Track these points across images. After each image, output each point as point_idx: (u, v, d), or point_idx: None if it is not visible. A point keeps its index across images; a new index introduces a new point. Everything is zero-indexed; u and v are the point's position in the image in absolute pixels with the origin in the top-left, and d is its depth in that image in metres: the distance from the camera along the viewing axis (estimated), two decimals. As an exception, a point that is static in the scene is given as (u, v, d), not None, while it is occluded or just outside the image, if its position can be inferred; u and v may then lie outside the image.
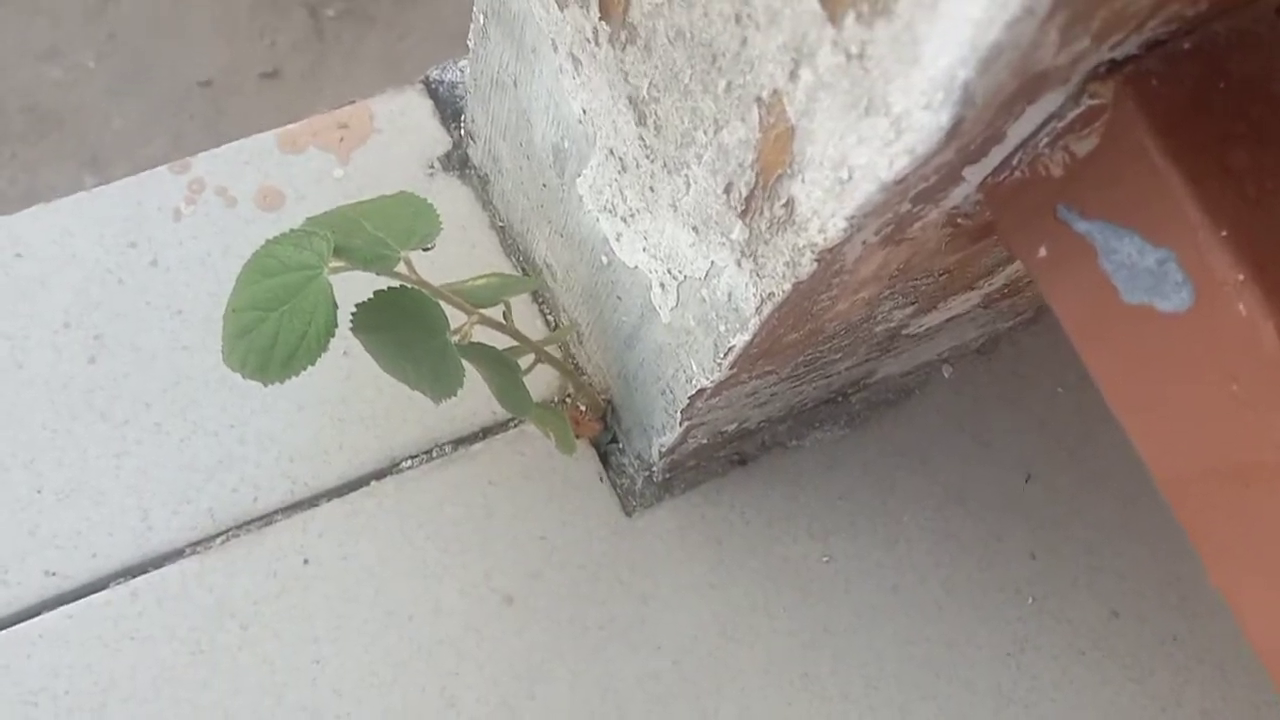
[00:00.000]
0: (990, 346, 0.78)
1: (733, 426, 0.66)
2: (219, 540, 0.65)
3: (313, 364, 0.52)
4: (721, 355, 0.50)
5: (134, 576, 0.64)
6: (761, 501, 0.72)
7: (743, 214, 0.42)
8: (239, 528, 0.66)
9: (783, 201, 0.39)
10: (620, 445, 0.71)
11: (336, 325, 0.52)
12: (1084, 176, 0.35)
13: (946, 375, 0.77)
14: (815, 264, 0.39)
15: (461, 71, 0.78)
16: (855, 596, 0.70)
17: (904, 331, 0.61)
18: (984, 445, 0.76)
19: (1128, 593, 0.74)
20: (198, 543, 0.65)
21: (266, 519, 0.66)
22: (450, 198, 0.75)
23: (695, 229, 0.47)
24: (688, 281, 0.50)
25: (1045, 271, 0.38)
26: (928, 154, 0.31)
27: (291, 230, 0.53)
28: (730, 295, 0.46)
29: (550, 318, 0.74)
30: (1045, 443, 0.77)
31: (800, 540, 0.71)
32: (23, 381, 0.66)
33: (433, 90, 0.77)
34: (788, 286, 0.41)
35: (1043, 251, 0.37)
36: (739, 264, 0.44)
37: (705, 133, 0.42)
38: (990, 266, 0.55)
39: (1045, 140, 0.35)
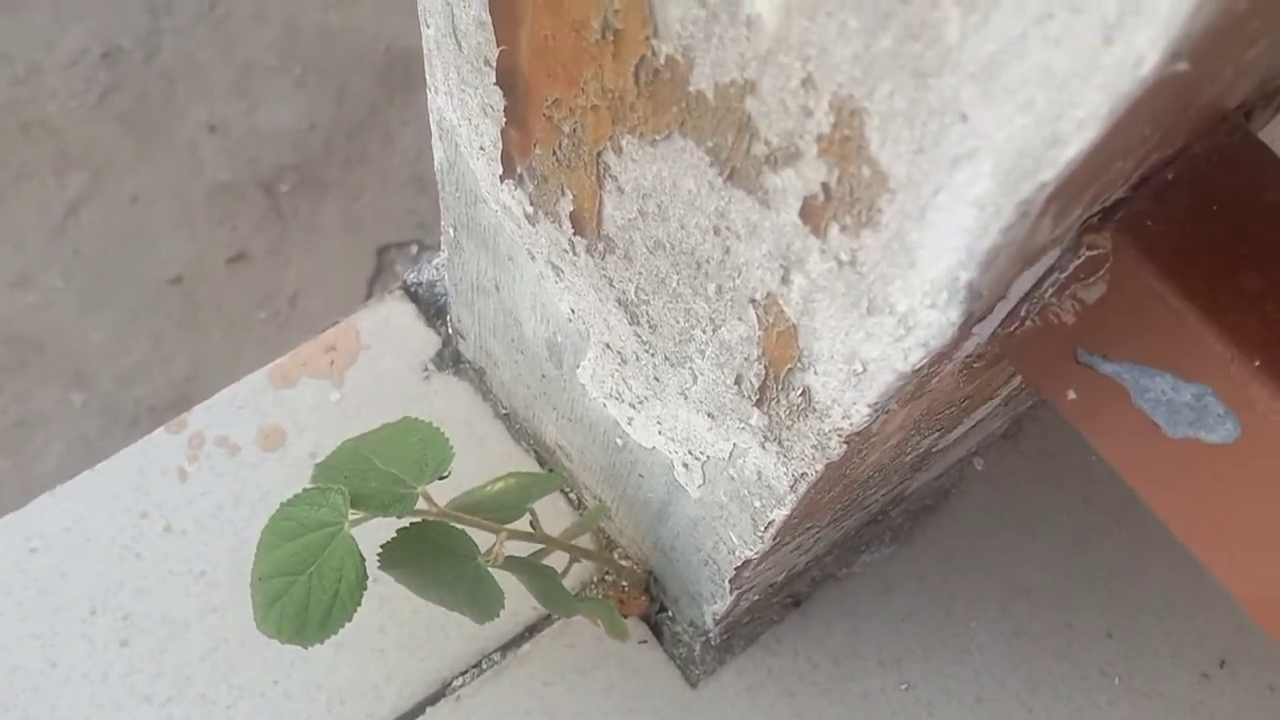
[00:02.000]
0: (1015, 430, 0.77)
1: (782, 577, 0.65)
2: (285, 805, 0.63)
3: (350, 620, 0.51)
4: (762, 529, 0.49)
5: None
6: (824, 641, 0.69)
7: (758, 403, 0.41)
8: (303, 787, 0.63)
9: (799, 391, 0.38)
10: (670, 614, 0.69)
11: (368, 577, 0.51)
12: (1099, 321, 0.34)
13: (979, 468, 0.75)
14: (844, 446, 0.38)
15: (437, 270, 0.78)
16: (940, 718, 0.68)
17: (933, 450, 0.60)
18: (1031, 532, 0.74)
19: (1211, 652, 0.72)
20: (264, 812, 0.63)
21: (329, 771, 0.64)
22: (449, 395, 0.75)
23: (710, 415, 0.46)
24: (711, 461, 0.49)
25: (1079, 413, 0.37)
26: (942, 346, 0.31)
27: (305, 490, 0.52)
28: (760, 474, 0.46)
29: (573, 495, 0.72)
30: (1091, 516, 0.75)
31: (873, 672, 0.69)
32: (59, 681, 0.65)
33: (413, 294, 0.78)
34: (819, 467, 0.40)
35: (1071, 395, 0.37)
36: (763, 446, 0.44)
37: (703, 331, 0.42)
38: (1010, 374, 0.55)
39: (1050, 291, 0.35)
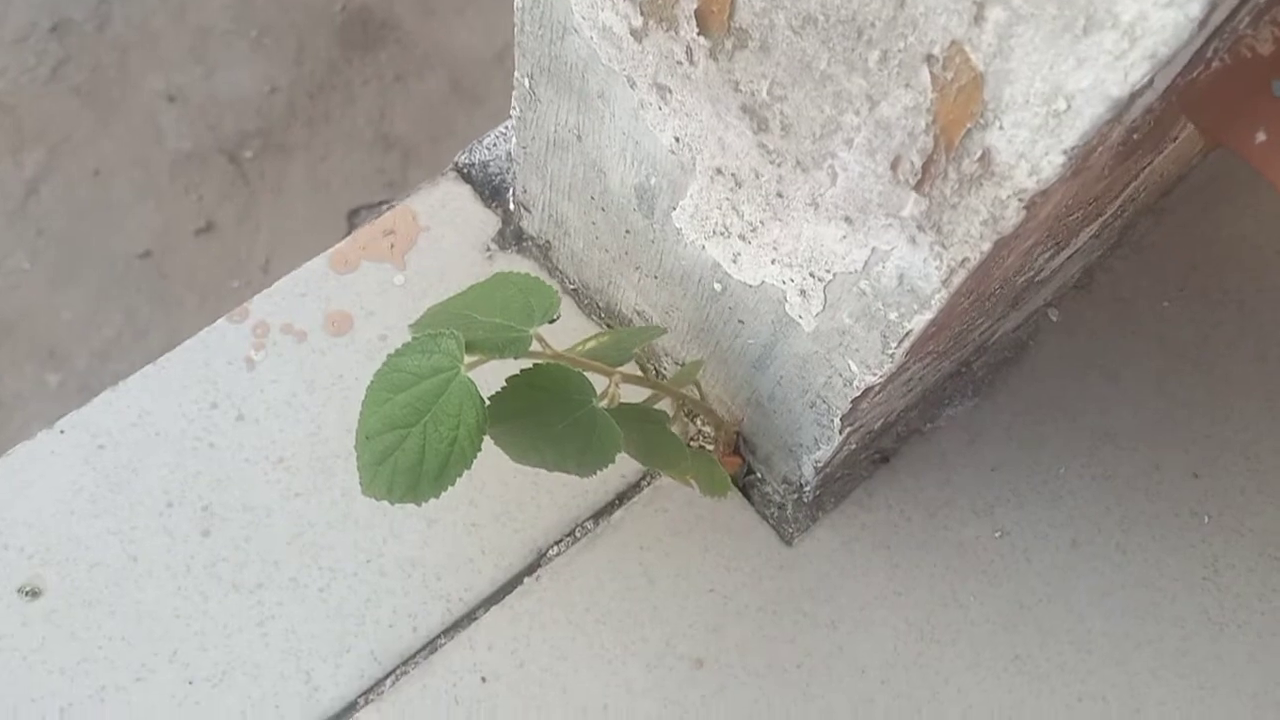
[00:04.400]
0: (1086, 280, 0.76)
1: (879, 423, 0.64)
2: (389, 682, 0.62)
3: (469, 468, 0.49)
4: (894, 344, 0.48)
5: (313, 743, 0.60)
6: (916, 494, 0.69)
7: (918, 185, 0.40)
8: (406, 663, 0.62)
9: (976, 156, 0.36)
10: (759, 475, 0.68)
11: (487, 420, 0.49)
12: (1303, 43, 0.33)
13: (1054, 319, 0.75)
14: (1024, 212, 0.37)
15: (489, 150, 0.76)
16: (1038, 563, 0.68)
17: (1038, 278, 0.59)
18: (1111, 378, 0.74)
19: (1297, 486, 0.72)
20: (369, 690, 0.61)
21: (431, 646, 0.62)
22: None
23: (848, 219, 0.44)
24: (838, 279, 0.48)
25: (1268, 157, 0.35)
26: (1171, 54, 0.29)
27: (414, 338, 0.50)
28: (902, 277, 0.44)
29: (651, 366, 0.71)
30: (1168, 360, 0.74)
31: (967, 522, 0.68)
32: (142, 574, 0.63)
33: (466, 175, 0.75)
34: (987, 246, 0.39)
35: (1261, 136, 0.35)
36: (913, 241, 0.42)
37: (856, 114, 0.40)
38: (1120, 188, 0.53)
39: (1246, 21, 0.33)
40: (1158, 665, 0.66)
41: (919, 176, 0.39)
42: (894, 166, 0.40)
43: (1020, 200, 0.36)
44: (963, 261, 0.40)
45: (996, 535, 0.68)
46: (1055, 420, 0.72)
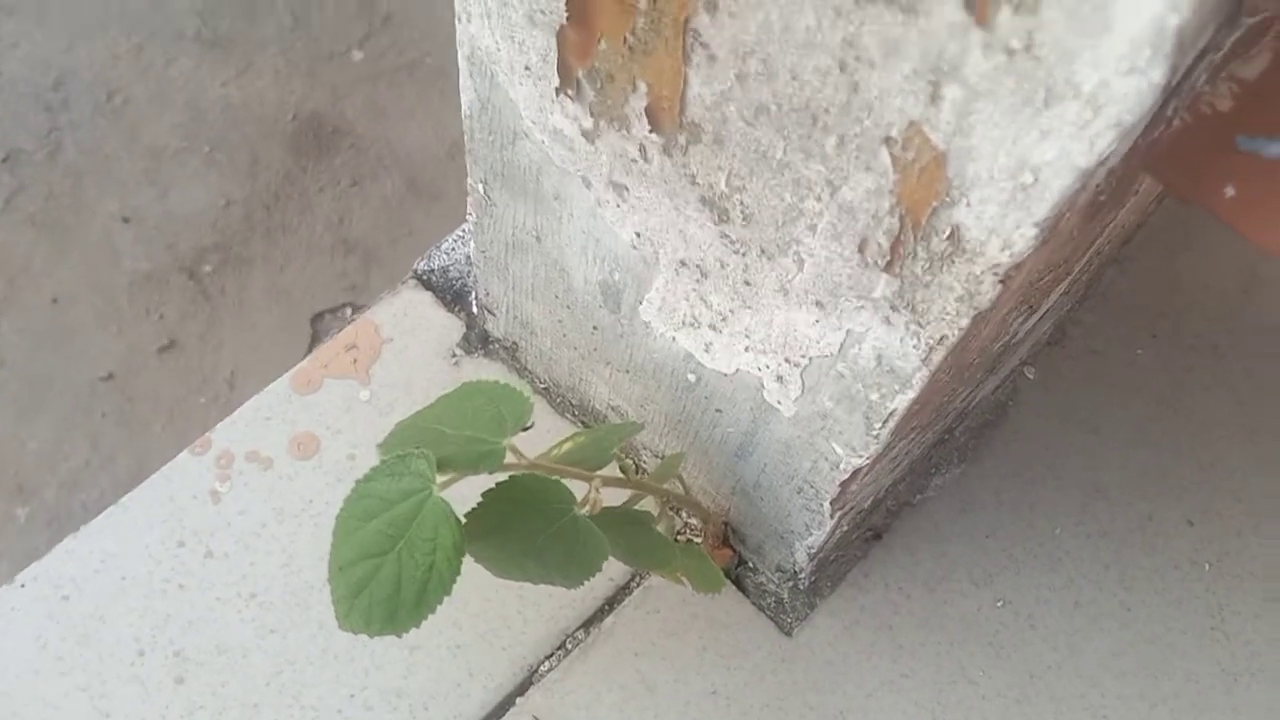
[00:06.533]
0: (1059, 335, 0.76)
1: (869, 501, 0.62)
2: (384, 823, 0.58)
3: (449, 594, 0.47)
4: (878, 425, 0.46)
5: None
6: (913, 570, 0.67)
7: (888, 266, 0.39)
8: (400, 801, 0.59)
9: (945, 235, 0.36)
10: (751, 565, 0.66)
11: (466, 539, 0.47)
12: (1261, 99, 0.32)
13: (1031, 377, 0.74)
14: (999, 286, 0.36)
15: (448, 254, 0.75)
16: (1043, 630, 0.66)
17: (1013, 341, 0.58)
18: (1093, 431, 0.73)
19: (1293, 525, 0.71)
20: (362, 834, 0.58)
21: (425, 780, 0.59)
22: (483, 378, 0.71)
23: (819, 304, 0.44)
24: (814, 363, 0.47)
25: (1239, 211, 0.35)
26: (1136, 120, 0.29)
27: (382, 460, 0.48)
28: (880, 358, 0.43)
29: (630, 461, 0.69)
30: (1148, 408, 0.74)
31: (968, 594, 0.66)
32: (114, 731, 0.60)
33: (426, 282, 0.74)
34: (965, 322, 0.38)
35: (1230, 191, 0.35)
36: (888, 321, 0.41)
37: (817, 199, 0.39)
38: (1088, 245, 0.53)
39: (1203, 79, 0.33)
40: (1178, 725, 0.64)
41: (888, 257, 0.38)
42: (861, 249, 0.39)
43: (995, 275, 0.36)
44: (941, 339, 0.40)
45: (998, 605, 0.66)
46: (1044, 480, 0.71)
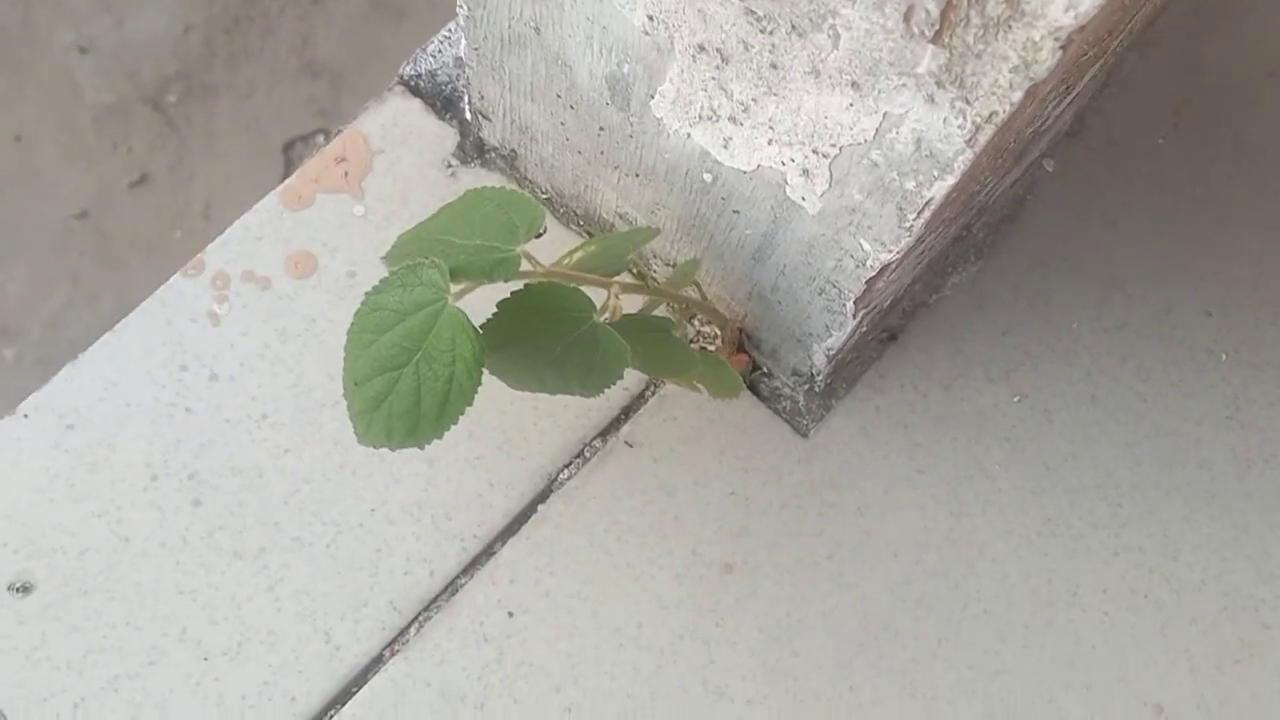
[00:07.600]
0: (1078, 125, 0.73)
1: (889, 300, 0.61)
2: (413, 630, 0.59)
3: (471, 404, 0.46)
4: (913, 216, 0.44)
5: (344, 704, 0.58)
6: (929, 369, 0.66)
7: (935, 36, 0.36)
8: (428, 608, 0.60)
9: (1004, -5, 0.33)
10: (766, 370, 0.65)
11: (484, 350, 0.45)
12: None
13: (1049, 169, 0.71)
14: (1060, 52, 0.33)
15: (435, 57, 0.71)
16: (1059, 423, 0.66)
17: (1041, 128, 0.55)
18: (1112, 224, 0.71)
19: (1309, 312, 0.70)
20: (393, 641, 0.59)
21: (451, 588, 0.60)
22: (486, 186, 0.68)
23: (854, 85, 0.41)
24: (845, 152, 0.44)
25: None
26: None
27: (391, 272, 0.46)
28: (919, 142, 0.40)
29: (635, 270, 0.67)
30: (1168, 199, 0.72)
31: (984, 390, 0.66)
32: (137, 555, 0.59)
33: (414, 88, 0.70)
34: (1018, 95, 0.35)
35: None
36: (931, 100, 0.38)
37: (859, -37, 0.36)
38: (1130, 17, 0.50)
39: None
40: (1189, 511, 0.65)
41: (936, 26, 0.35)
42: (907, 18, 0.36)
43: (1056, 40, 0.33)
44: (990, 116, 0.37)
45: (1015, 400, 0.66)
46: (1061, 274, 0.69)
